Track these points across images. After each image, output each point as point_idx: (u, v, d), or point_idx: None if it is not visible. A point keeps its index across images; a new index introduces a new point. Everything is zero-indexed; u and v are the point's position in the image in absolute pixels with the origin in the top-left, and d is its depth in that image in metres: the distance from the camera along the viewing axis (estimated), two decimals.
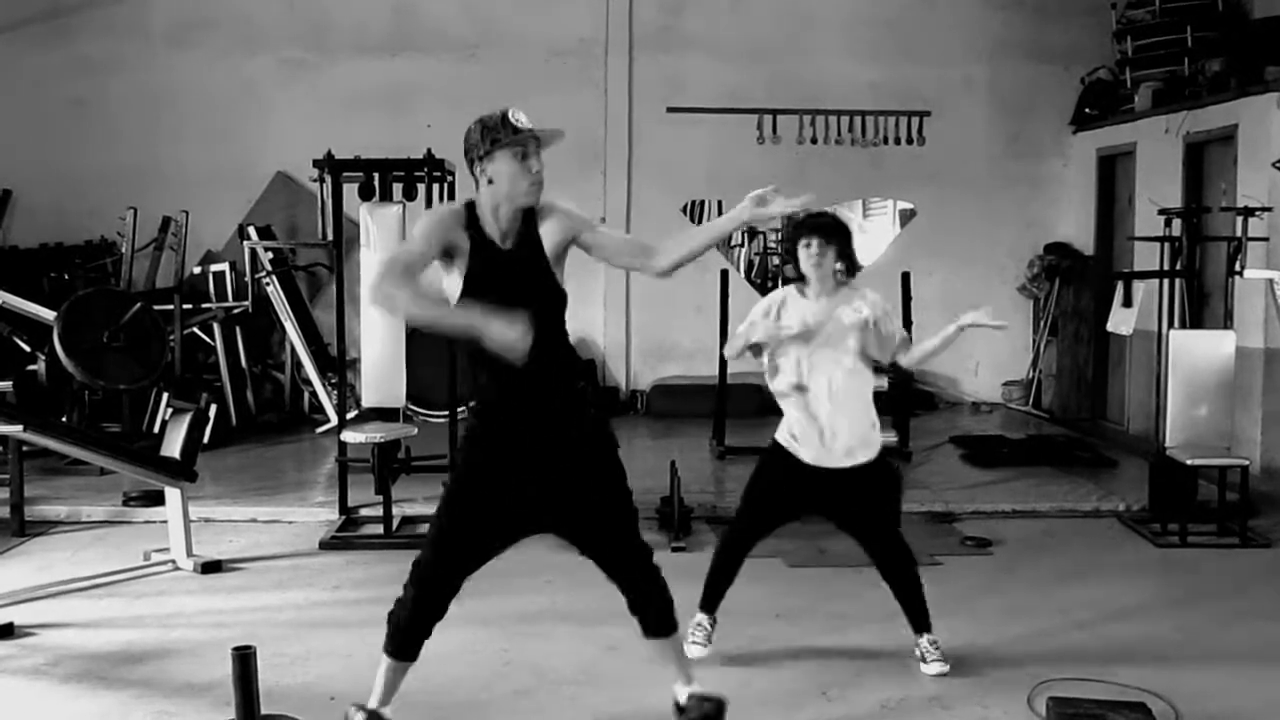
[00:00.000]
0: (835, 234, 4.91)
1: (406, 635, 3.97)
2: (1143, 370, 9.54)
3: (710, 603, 5.11)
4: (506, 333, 3.52)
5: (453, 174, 7.41)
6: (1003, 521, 7.51)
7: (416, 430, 7.34)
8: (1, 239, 10.91)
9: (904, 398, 9.46)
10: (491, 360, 3.66)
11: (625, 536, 4.03)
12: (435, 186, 7.27)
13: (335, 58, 11.28)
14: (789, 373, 4.86)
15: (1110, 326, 8.17)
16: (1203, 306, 9.05)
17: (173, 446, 6.45)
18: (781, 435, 4.91)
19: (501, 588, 5.98)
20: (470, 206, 3.87)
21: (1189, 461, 7.02)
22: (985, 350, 11.93)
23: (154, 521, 7.19)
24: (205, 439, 7.17)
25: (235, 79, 11.19)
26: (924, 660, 4.92)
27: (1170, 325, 7.57)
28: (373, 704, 4.07)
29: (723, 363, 9.28)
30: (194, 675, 4.88)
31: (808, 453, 4.83)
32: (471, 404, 4.04)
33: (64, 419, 8.45)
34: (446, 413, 7.77)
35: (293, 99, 11.16)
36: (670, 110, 11.50)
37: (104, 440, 7.07)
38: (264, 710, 3.98)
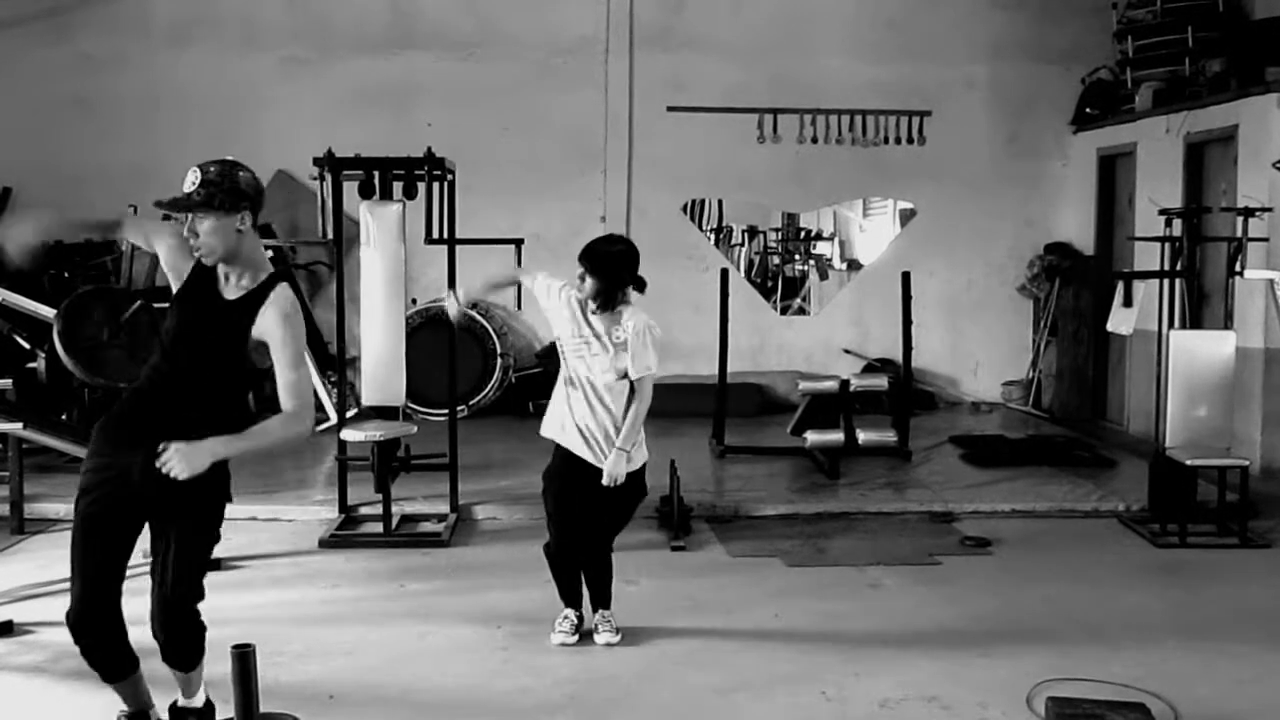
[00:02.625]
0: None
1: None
2: (1143, 370, 9.54)
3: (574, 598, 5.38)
4: None
5: (453, 172, 7.41)
6: (1002, 521, 7.51)
7: (416, 429, 7.33)
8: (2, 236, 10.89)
9: (904, 397, 9.46)
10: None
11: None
12: (435, 185, 7.25)
13: (335, 56, 11.26)
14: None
15: (1110, 326, 8.17)
16: (1203, 307, 9.04)
17: None
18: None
19: (501, 585, 5.99)
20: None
21: (1189, 462, 7.02)
22: (985, 350, 11.93)
23: None
24: None
25: (235, 77, 11.17)
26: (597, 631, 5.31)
27: (1170, 325, 7.56)
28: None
29: (723, 364, 9.29)
30: None
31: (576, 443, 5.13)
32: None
33: (63, 417, 8.44)
34: (446, 411, 7.77)
35: (293, 97, 11.15)
36: (670, 109, 11.49)
37: None
38: (263, 708, 3.97)
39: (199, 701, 4.18)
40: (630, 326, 5.06)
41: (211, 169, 3.77)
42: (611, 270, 5.04)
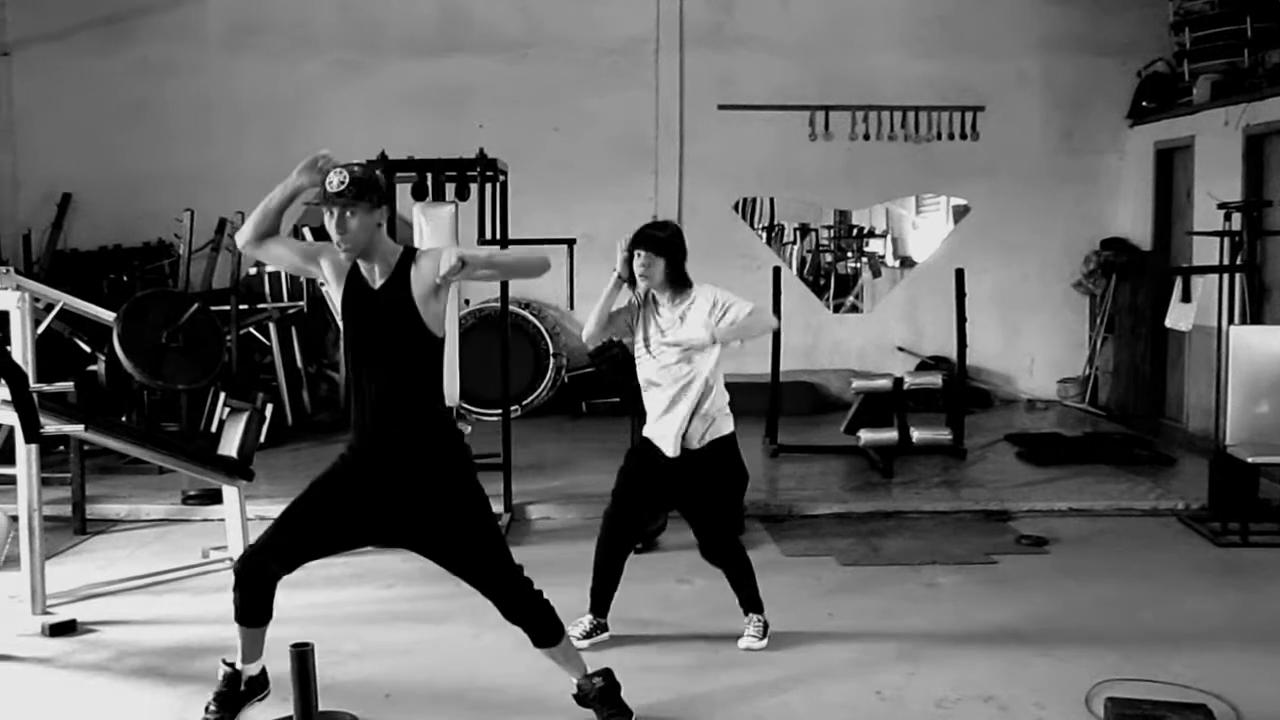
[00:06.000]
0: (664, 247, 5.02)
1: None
2: (1202, 367, 9.41)
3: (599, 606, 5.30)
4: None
5: (504, 173, 7.44)
6: (1059, 520, 7.44)
7: (470, 429, 7.34)
8: (62, 242, 11.08)
9: (958, 395, 9.39)
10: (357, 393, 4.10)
11: (486, 562, 4.30)
12: (488, 186, 7.29)
13: (387, 59, 11.34)
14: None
15: (1169, 322, 8.07)
16: (1263, 301, 8.90)
17: (230, 446, 6.53)
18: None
19: (555, 585, 6.00)
20: None
21: (1250, 459, 6.92)
22: (1041, 347, 11.82)
23: (212, 520, 7.28)
24: (262, 438, 7.24)
25: (289, 81, 11.28)
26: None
27: (1230, 321, 7.46)
28: (237, 662, 4.34)
29: (776, 363, 9.26)
30: None
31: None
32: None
33: (123, 419, 8.56)
34: (500, 411, 7.80)
35: (346, 101, 11.23)
36: (721, 107, 11.47)
37: (163, 439, 7.15)
38: (321, 706, 4.01)
39: (583, 673, 4.40)
40: (707, 293, 5.05)
41: (356, 169, 4.08)
42: (670, 246, 4.97)
